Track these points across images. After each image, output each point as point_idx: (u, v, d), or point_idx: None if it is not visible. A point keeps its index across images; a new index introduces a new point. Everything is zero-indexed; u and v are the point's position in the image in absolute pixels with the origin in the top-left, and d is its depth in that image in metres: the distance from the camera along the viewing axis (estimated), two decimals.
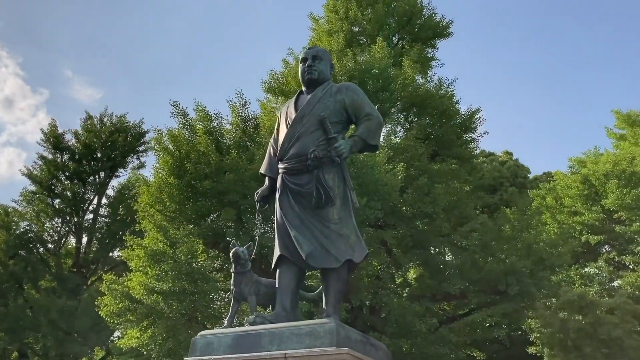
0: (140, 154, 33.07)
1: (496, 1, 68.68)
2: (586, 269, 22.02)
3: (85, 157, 30.49)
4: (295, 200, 6.27)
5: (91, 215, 30.96)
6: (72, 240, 31.01)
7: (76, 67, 71.75)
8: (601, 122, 71.13)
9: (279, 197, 6.41)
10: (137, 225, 15.71)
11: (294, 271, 6.30)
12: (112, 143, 31.67)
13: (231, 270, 6.41)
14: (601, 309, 15.11)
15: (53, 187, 30.33)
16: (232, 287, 6.40)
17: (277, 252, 6.30)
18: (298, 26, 78.57)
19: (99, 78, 72.78)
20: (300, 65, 6.84)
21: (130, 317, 13.81)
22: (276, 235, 6.40)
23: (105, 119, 32.77)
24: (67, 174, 30.63)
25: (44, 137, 31.27)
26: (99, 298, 14.21)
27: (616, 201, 20.90)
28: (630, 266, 21.83)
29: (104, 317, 14.09)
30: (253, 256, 6.60)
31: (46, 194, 30.06)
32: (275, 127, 6.98)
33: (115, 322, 14.18)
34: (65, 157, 31.09)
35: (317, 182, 6.12)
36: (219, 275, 14.35)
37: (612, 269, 21.50)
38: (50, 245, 29.71)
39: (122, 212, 29.43)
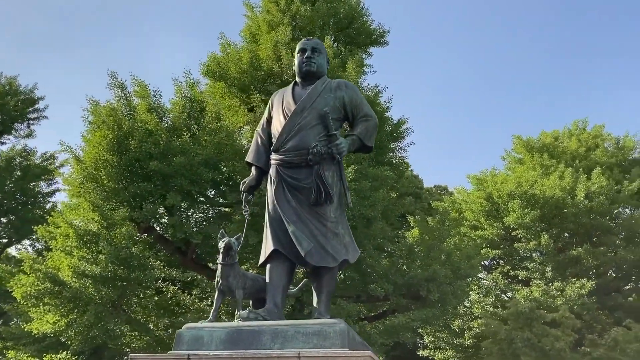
0: (32, 121, 30.49)
1: (416, 19, 71.55)
2: (483, 281, 23.59)
3: None
4: (292, 194, 6.15)
5: None
6: None
7: None
8: (483, 143, 76.68)
9: (274, 190, 6.25)
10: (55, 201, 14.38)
11: (286, 267, 6.18)
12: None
13: (218, 262, 6.14)
14: (545, 321, 16.24)
15: None
16: (218, 279, 6.12)
17: (269, 247, 6.12)
18: (226, 10, 76.05)
19: None
20: (298, 55, 6.72)
21: (49, 301, 12.63)
22: (268, 229, 6.22)
23: None
24: None
25: None
26: (14, 278, 12.82)
27: (517, 220, 22.63)
28: (520, 278, 23.75)
29: (19, 299, 12.74)
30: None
31: None
32: (265, 116, 6.79)
33: (29, 304, 12.87)
34: None
35: (318, 178, 6.06)
36: (159, 263, 13.53)
37: (506, 282, 23.21)
38: None
39: (9, 184, 26.73)
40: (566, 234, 23.17)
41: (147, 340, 13.56)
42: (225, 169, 14.28)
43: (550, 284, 20.84)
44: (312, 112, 6.23)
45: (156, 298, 13.52)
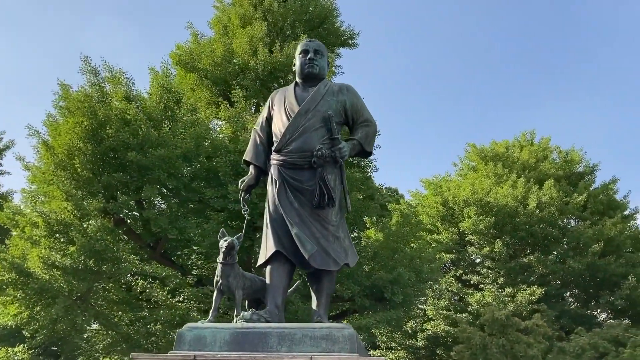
0: None
1: (371, 24, 72.03)
2: (435, 285, 24.08)
3: None
4: (294, 195, 6.14)
5: None
6: None
7: None
8: (430, 148, 78.28)
9: (276, 191, 6.23)
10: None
11: (287, 269, 6.17)
12: None
13: (219, 261, 6.07)
14: (518, 329, 16.66)
15: None
16: (217, 278, 6.05)
17: (270, 248, 6.08)
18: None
19: None
20: (300, 56, 6.72)
21: (12, 292, 12.00)
22: (269, 230, 6.18)
23: None
24: None
25: None
26: None
27: (471, 226, 23.24)
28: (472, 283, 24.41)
29: None
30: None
31: None
32: (264, 115, 6.73)
33: None
34: None
35: (321, 181, 6.08)
36: (132, 257, 13.07)
37: (459, 286, 23.81)
38: None
39: None
40: (515, 241, 23.96)
41: (112, 335, 13.11)
42: (199, 165, 13.96)
43: (501, 290, 21.54)
44: (316, 114, 6.22)
45: (125, 292, 13.05)
